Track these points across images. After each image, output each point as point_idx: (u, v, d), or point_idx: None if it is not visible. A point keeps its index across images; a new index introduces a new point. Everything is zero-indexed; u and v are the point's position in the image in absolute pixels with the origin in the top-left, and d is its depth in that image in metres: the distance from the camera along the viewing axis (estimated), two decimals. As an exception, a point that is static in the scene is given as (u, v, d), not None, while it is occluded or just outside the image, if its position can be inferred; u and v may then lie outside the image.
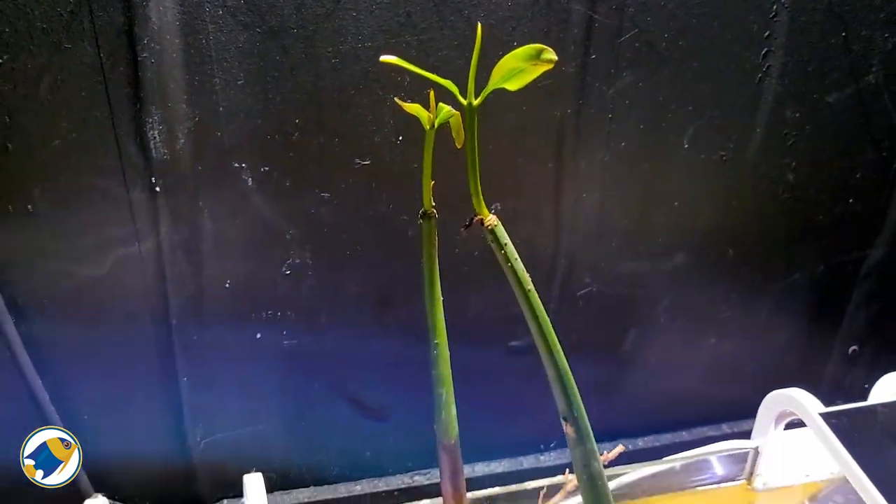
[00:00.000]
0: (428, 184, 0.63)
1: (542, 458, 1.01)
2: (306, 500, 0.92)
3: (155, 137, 0.72)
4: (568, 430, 0.64)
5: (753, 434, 0.85)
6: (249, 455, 0.90)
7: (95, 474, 0.82)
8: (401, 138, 0.78)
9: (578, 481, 0.66)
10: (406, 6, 0.73)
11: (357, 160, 0.78)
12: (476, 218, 0.59)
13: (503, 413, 0.96)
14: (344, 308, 0.85)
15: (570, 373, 0.63)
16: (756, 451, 0.84)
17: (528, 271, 0.88)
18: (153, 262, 0.77)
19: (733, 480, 0.86)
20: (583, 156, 0.84)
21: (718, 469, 0.86)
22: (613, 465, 0.85)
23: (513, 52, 0.53)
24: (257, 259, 0.80)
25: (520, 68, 0.54)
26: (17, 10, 0.64)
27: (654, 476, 0.83)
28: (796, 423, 0.83)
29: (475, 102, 0.55)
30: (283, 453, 0.92)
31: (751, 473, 0.86)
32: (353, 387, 0.90)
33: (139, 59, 0.68)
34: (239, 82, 0.72)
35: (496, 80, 0.54)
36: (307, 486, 0.94)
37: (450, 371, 0.70)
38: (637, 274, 0.93)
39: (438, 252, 0.84)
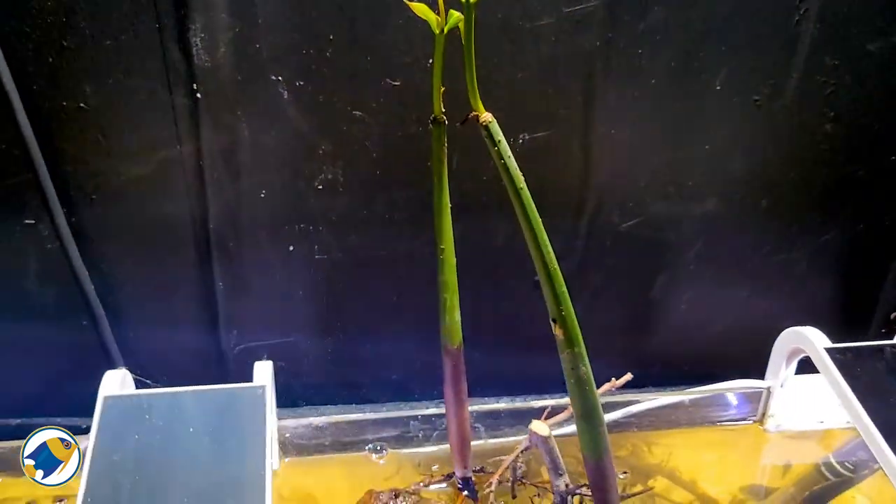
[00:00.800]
0: (438, 89, 0.66)
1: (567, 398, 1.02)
2: (333, 417, 0.95)
3: (197, 45, 0.77)
4: (557, 332, 0.66)
5: (767, 375, 0.85)
6: (280, 366, 0.95)
7: (131, 366, 0.88)
8: (430, 61, 0.81)
9: (567, 385, 0.68)
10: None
11: (388, 80, 0.82)
12: (472, 114, 0.62)
13: (528, 348, 0.98)
14: (373, 225, 0.89)
15: (560, 275, 0.65)
16: (768, 391, 0.84)
17: (556, 206, 0.91)
18: (193, 167, 0.82)
19: (745, 420, 0.87)
20: (612, 91, 0.86)
21: (730, 407, 0.86)
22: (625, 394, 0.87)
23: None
24: (291, 172, 0.85)
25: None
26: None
27: (664, 408, 0.84)
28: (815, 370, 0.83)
29: (472, 0, 0.58)
30: (314, 367, 0.96)
31: (763, 414, 0.86)
32: (382, 306, 0.94)
33: (184, -34, 0.74)
34: (278, -4, 0.77)
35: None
36: (335, 403, 0.98)
37: (455, 277, 0.73)
38: (666, 217, 0.93)
39: (469, 176, 0.87)
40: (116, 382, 0.71)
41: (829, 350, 0.74)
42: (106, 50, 0.76)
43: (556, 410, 0.80)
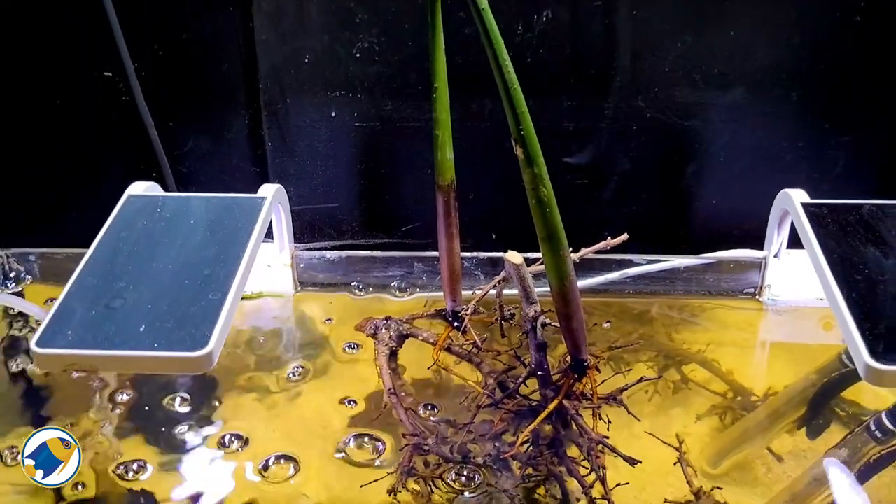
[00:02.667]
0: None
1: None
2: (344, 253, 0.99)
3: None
4: (518, 151, 0.71)
5: (765, 246, 0.86)
6: (322, 229, 1.04)
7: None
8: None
9: (530, 206, 0.73)
10: None
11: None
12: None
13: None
14: (408, 94, 0.96)
15: (519, 92, 0.70)
16: (765, 261, 0.85)
17: (580, 85, 0.96)
18: (244, 28, 0.93)
19: (741, 293, 0.88)
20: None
21: (726, 278, 0.88)
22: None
23: None
24: (331, 38, 0.93)
25: None
26: None
27: (658, 274, 0.87)
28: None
29: None
30: (356, 233, 1.05)
31: (760, 286, 0.87)
32: (420, 177, 1.01)
33: None
34: None
35: None
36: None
37: (448, 115, 0.79)
38: (692, 104, 0.96)
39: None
40: (143, 187, 0.82)
41: (805, 205, 0.75)
42: None
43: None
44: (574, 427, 0.75)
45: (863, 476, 0.76)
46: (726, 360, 0.86)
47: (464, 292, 0.84)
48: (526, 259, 0.77)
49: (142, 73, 0.94)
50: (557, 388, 0.77)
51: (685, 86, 0.95)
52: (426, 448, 0.76)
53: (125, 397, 0.81)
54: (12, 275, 0.93)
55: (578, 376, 0.77)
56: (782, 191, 0.82)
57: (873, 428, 0.80)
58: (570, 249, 0.74)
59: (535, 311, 0.77)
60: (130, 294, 0.67)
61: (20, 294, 0.92)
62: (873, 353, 0.61)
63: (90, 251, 0.72)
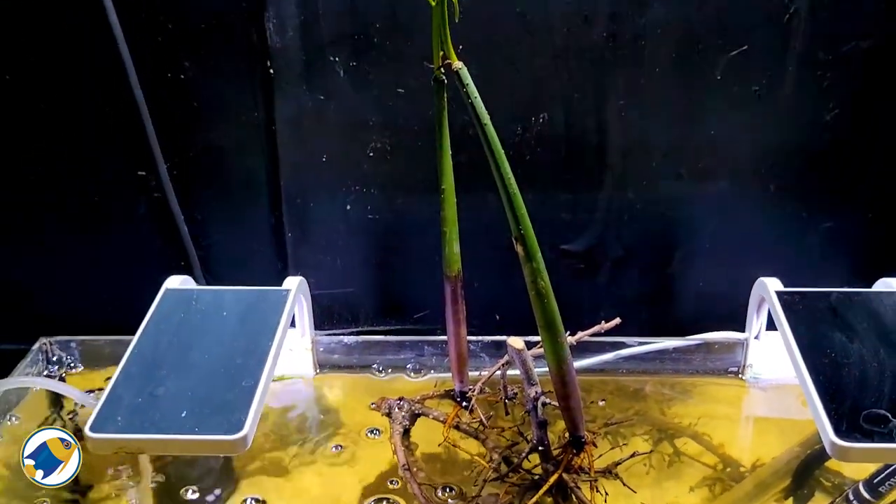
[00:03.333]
0: (437, 53, 0.82)
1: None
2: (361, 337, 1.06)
3: (270, 29, 0.96)
4: (518, 248, 0.79)
5: (746, 328, 0.94)
6: (341, 314, 1.12)
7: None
8: (461, 46, 0.97)
9: (530, 298, 0.81)
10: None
11: (426, 63, 0.98)
12: (445, 62, 0.77)
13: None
14: (417, 189, 1.05)
15: (519, 196, 0.78)
16: (746, 342, 0.93)
17: (576, 181, 1.04)
18: (267, 131, 1.02)
19: (726, 371, 0.95)
20: (621, 76, 0.98)
21: (711, 357, 0.95)
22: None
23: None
24: (347, 139, 1.02)
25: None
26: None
27: (648, 355, 0.94)
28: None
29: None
30: (370, 318, 1.13)
31: (742, 366, 0.94)
32: (429, 265, 1.08)
33: (260, -34, 0.94)
34: (334, -10, 0.95)
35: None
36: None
37: (455, 212, 0.86)
38: (679, 197, 1.04)
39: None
40: (178, 281, 0.90)
41: (778, 293, 0.83)
42: (200, 33, 0.96)
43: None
44: (574, 499, 0.82)
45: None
46: (716, 434, 0.93)
47: (470, 373, 0.92)
48: (526, 342, 0.85)
49: (174, 172, 1.03)
50: (557, 462, 0.84)
51: (672, 179, 1.03)
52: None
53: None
54: (55, 358, 1.01)
55: (577, 451, 0.84)
56: (759, 279, 0.90)
57: (851, 498, 0.87)
58: (568, 333, 0.81)
59: (536, 392, 0.85)
60: (172, 382, 0.75)
61: (62, 378, 1.00)
62: (838, 432, 0.68)
63: (133, 342, 0.80)
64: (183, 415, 0.71)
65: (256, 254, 1.09)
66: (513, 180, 0.78)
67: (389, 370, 1.02)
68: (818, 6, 0.94)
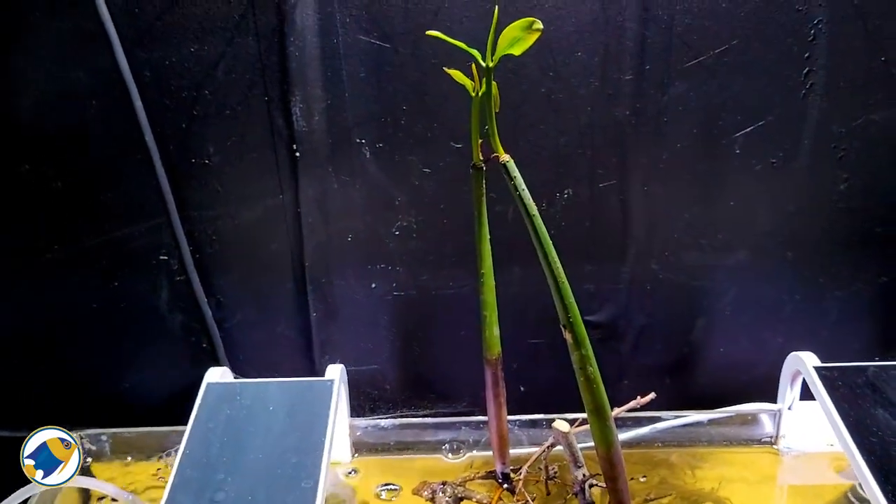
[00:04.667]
0: (476, 142, 0.82)
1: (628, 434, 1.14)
2: (397, 420, 1.07)
3: (297, 114, 0.97)
4: (567, 336, 0.80)
5: (778, 398, 0.96)
6: (366, 390, 1.11)
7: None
8: (485, 127, 0.98)
9: (578, 383, 0.81)
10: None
11: (452, 143, 0.99)
12: (493, 156, 0.78)
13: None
14: (443, 266, 1.05)
15: (567, 285, 0.79)
16: (779, 413, 0.95)
17: (600, 254, 1.05)
18: (292, 213, 1.01)
19: (759, 442, 0.97)
20: (643, 153, 1.00)
21: (746, 429, 0.96)
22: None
23: (512, 25, 0.73)
24: (373, 218, 1.02)
25: (519, 37, 0.74)
26: (204, 12, 0.92)
27: (683, 427, 0.96)
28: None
29: (491, 64, 0.75)
30: (396, 394, 1.12)
31: (775, 436, 0.96)
32: (454, 340, 1.09)
33: (287, 52, 0.94)
34: (361, 75, 0.96)
35: (503, 47, 0.74)
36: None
37: (494, 297, 0.87)
38: (701, 266, 1.06)
39: (513, 237, 1.02)
40: (218, 374, 0.89)
41: (817, 368, 0.85)
42: (226, 118, 0.96)
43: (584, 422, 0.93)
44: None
45: None
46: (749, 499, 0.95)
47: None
48: (563, 420, 0.86)
49: (196, 256, 1.02)
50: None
51: (693, 250, 1.05)
52: None
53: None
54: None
55: (625, 532, 0.84)
56: (794, 353, 0.92)
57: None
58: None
59: (584, 475, 0.85)
60: (230, 486, 0.74)
61: (88, 472, 0.98)
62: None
63: (184, 442, 0.79)
64: (248, 521, 0.70)
65: (278, 334, 1.08)
66: (561, 270, 0.79)
67: (425, 451, 1.01)
68: (831, 82, 0.97)
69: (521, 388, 1.12)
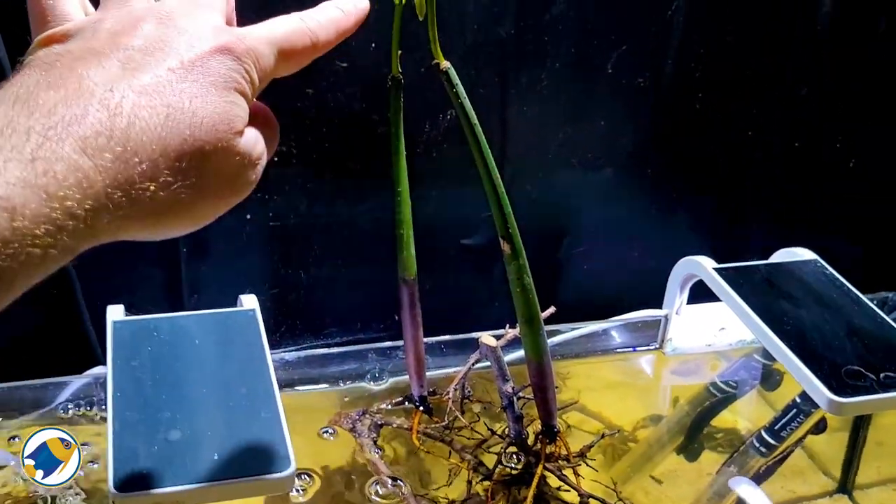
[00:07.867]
0: (396, 52, 0.80)
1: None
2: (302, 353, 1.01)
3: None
4: (505, 247, 0.80)
5: (664, 304, 1.01)
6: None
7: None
8: (373, 45, 0.95)
9: (513, 293, 0.81)
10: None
11: (337, 62, 0.95)
12: (433, 62, 0.76)
13: (457, 303, 1.11)
14: (323, 193, 1.01)
15: (506, 195, 0.79)
16: (666, 318, 1.00)
17: (476, 176, 1.05)
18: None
19: (647, 346, 1.02)
20: (524, 74, 1.01)
21: (633, 335, 1.02)
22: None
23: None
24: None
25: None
26: None
27: (574, 339, 0.99)
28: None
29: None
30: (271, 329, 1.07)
31: (662, 340, 1.02)
32: (331, 268, 1.05)
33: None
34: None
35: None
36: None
37: (410, 215, 0.85)
38: (571, 184, 1.09)
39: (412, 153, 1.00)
40: (118, 312, 0.80)
41: (717, 270, 0.91)
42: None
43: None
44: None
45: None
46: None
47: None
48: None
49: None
50: (536, 453, 0.86)
51: (566, 168, 1.08)
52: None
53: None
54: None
55: (551, 440, 0.86)
56: (686, 259, 0.97)
57: (756, 444, 0.97)
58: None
59: (513, 388, 0.86)
60: (182, 424, 0.67)
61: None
62: (832, 390, 0.76)
63: (110, 384, 0.70)
64: (216, 458, 0.64)
65: (148, 273, 0.99)
66: (500, 179, 0.79)
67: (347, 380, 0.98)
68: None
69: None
